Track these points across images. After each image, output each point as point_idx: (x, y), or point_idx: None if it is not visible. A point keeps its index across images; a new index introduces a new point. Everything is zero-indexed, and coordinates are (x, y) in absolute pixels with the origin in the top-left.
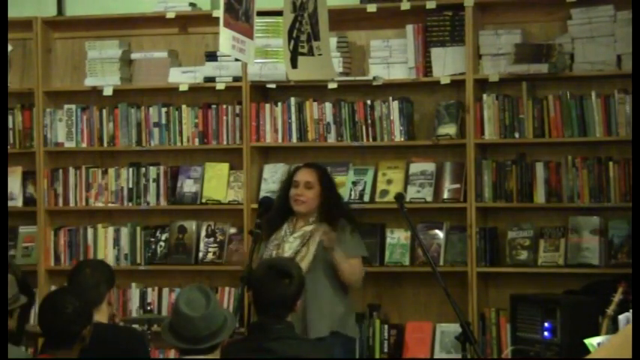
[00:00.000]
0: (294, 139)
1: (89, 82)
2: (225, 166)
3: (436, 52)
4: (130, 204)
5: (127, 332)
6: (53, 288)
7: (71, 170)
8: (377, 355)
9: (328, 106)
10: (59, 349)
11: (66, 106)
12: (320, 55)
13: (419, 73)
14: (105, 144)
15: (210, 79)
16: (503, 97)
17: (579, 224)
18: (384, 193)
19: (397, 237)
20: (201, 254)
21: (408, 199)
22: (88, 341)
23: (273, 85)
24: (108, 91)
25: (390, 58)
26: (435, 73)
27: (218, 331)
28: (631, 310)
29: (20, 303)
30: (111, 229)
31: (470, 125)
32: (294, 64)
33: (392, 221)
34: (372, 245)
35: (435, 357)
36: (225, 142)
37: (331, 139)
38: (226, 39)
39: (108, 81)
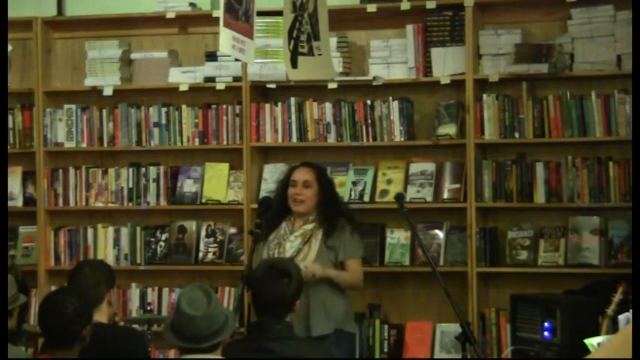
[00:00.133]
0: (294, 139)
1: (89, 82)
2: (225, 166)
3: (436, 52)
4: (130, 204)
5: (127, 332)
6: (53, 288)
7: (71, 170)
8: (377, 355)
9: (328, 106)
10: (59, 349)
11: (66, 106)
12: (320, 55)
13: (419, 73)
14: (105, 144)
15: (210, 79)
16: (503, 97)
17: (579, 224)
18: (384, 193)
19: (397, 237)
20: (201, 254)
21: (408, 199)
22: (88, 341)
23: (273, 85)
24: (108, 91)
25: (390, 58)
26: (435, 73)
27: (219, 330)
28: (631, 310)
29: (20, 302)
30: (111, 229)
31: (470, 125)
32: (294, 64)
33: (392, 221)
34: (372, 245)
35: (435, 357)
36: (225, 142)
37: (331, 139)
38: (226, 39)
39: (108, 81)
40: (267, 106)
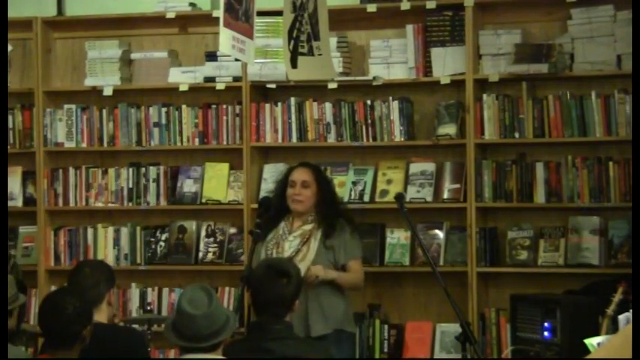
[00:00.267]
0: (294, 139)
1: (89, 82)
2: (225, 166)
3: (436, 52)
4: (130, 204)
5: (127, 332)
6: (53, 288)
7: (71, 170)
8: (377, 355)
9: (328, 106)
10: (59, 350)
11: (66, 106)
12: (320, 55)
13: (419, 73)
14: (105, 144)
15: (210, 79)
16: (503, 97)
17: (579, 224)
18: (384, 193)
19: (397, 237)
20: (201, 254)
21: (408, 199)
22: (88, 341)
23: (273, 85)
24: (108, 91)
25: (390, 58)
26: (435, 73)
27: (220, 330)
28: (631, 310)
29: (20, 302)
30: (111, 229)
31: (470, 125)
32: (294, 64)
33: (392, 221)
34: (372, 245)
35: (435, 357)
36: (225, 142)
37: (331, 139)
38: (226, 39)
39: (108, 81)
40: (267, 106)
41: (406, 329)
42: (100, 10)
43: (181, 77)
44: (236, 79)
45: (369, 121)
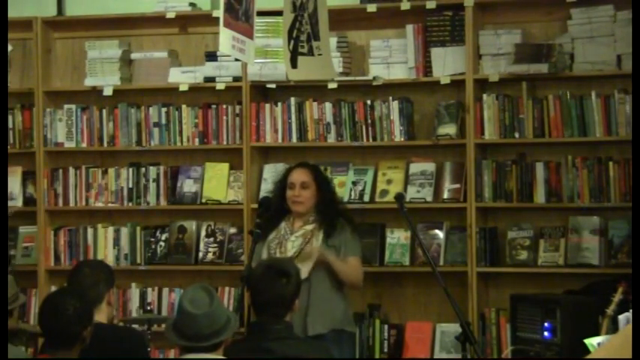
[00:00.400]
0: (294, 139)
1: (89, 82)
2: (225, 166)
3: (436, 52)
4: (130, 204)
5: (127, 332)
6: (53, 288)
7: (71, 170)
8: (377, 355)
9: (328, 106)
10: (59, 350)
11: (66, 106)
12: (320, 55)
13: (419, 73)
14: (105, 144)
15: (210, 79)
16: (503, 97)
17: (579, 224)
18: (384, 193)
19: (397, 237)
20: (201, 254)
21: (408, 199)
22: (89, 341)
23: (273, 85)
24: (108, 91)
25: (390, 58)
26: (435, 73)
27: (221, 329)
28: (631, 310)
29: (20, 302)
30: (111, 229)
31: (470, 125)
32: (294, 64)
33: (392, 221)
34: (372, 245)
35: (435, 357)
36: (225, 142)
37: (331, 139)
38: (226, 39)
39: (108, 81)
40: (267, 106)
41: (406, 329)
42: (100, 10)
43: (181, 77)
44: (236, 79)
45: (369, 121)
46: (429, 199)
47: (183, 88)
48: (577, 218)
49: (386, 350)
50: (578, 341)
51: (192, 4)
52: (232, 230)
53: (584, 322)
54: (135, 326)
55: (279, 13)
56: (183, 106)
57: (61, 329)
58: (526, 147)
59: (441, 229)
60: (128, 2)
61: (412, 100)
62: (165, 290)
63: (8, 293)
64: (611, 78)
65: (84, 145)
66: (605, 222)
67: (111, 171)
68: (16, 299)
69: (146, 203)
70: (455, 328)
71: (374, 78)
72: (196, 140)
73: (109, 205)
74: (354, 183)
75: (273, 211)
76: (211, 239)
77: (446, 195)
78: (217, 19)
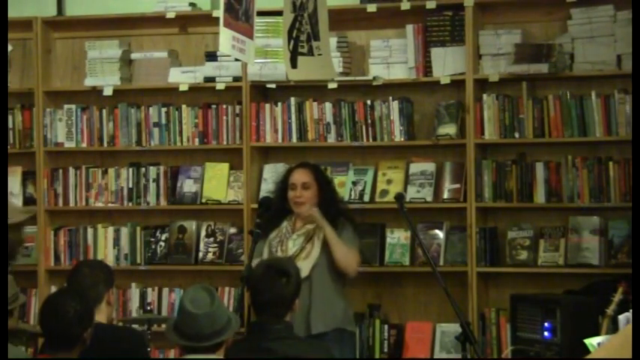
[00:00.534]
0: (294, 139)
1: (89, 82)
2: (225, 166)
3: (436, 52)
4: (130, 204)
5: (127, 332)
6: (53, 288)
7: (71, 170)
8: (377, 355)
9: (328, 106)
10: (59, 351)
11: (66, 106)
12: (320, 55)
13: (419, 73)
14: (105, 144)
15: (210, 79)
16: (503, 97)
17: (579, 224)
18: (384, 193)
19: (397, 237)
20: (201, 254)
21: (408, 199)
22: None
23: (273, 85)
24: (108, 91)
25: (390, 58)
26: (435, 73)
27: (221, 330)
28: (631, 310)
29: (20, 302)
30: (111, 229)
31: (470, 125)
32: (293, 64)
33: (392, 221)
34: (372, 245)
35: (435, 357)
36: (225, 142)
37: (331, 139)
38: (226, 39)
39: (108, 81)
40: (267, 106)
41: (406, 329)
42: (100, 10)
43: (181, 77)
44: (236, 79)
45: (369, 121)
46: (429, 199)
47: (183, 88)
48: (577, 218)
49: (386, 350)
50: (578, 341)
51: (192, 4)
52: (232, 230)
53: (584, 322)
54: (135, 326)
55: (279, 13)
56: (183, 106)
57: (62, 331)
58: (526, 147)
59: (441, 229)
60: (128, 2)
61: (412, 100)
62: (166, 290)
63: (8, 293)
64: (611, 78)
65: (84, 145)
66: (605, 222)
67: (111, 171)
68: (16, 299)
69: (146, 203)
70: (455, 328)
71: (374, 78)
72: (196, 140)
73: (109, 205)
74: (354, 183)
75: (274, 211)
76: (211, 239)
77: (446, 195)
78: (217, 19)
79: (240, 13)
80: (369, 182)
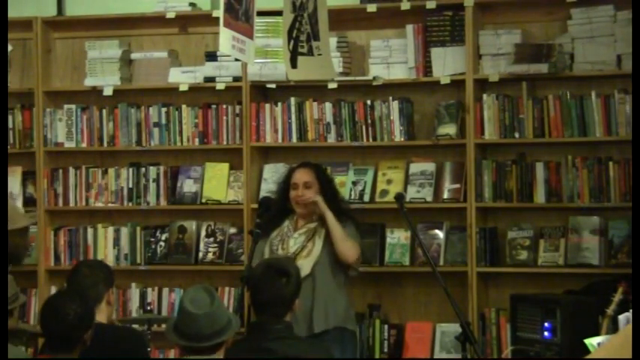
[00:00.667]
0: (294, 139)
1: (89, 82)
2: (225, 166)
3: (436, 52)
4: (130, 204)
5: (127, 332)
6: (53, 288)
7: (71, 170)
8: (377, 355)
9: (328, 106)
10: (60, 352)
11: (66, 106)
12: (320, 55)
13: (419, 73)
14: (105, 144)
15: (210, 79)
16: (503, 97)
17: (579, 224)
18: (384, 193)
19: (397, 237)
20: (201, 254)
21: (408, 199)
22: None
23: (273, 85)
24: (108, 91)
25: (390, 58)
26: (435, 73)
27: (221, 330)
28: (631, 310)
29: (20, 302)
30: (111, 229)
31: (470, 125)
32: (293, 64)
33: (392, 221)
34: (372, 245)
35: (435, 357)
36: (225, 142)
37: (331, 139)
38: (226, 39)
39: (108, 81)
40: (267, 106)
41: (406, 329)
42: (100, 10)
43: (181, 77)
44: (236, 79)
45: (369, 121)
46: (429, 199)
47: (183, 88)
48: (577, 218)
49: (386, 350)
50: (578, 341)
51: (192, 4)
52: (232, 230)
53: (584, 322)
54: (135, 326)
55: (279, 13)
56: (183, 106)
57: (62, 333)
58: (526, 147)
59: (441, 229)
60: (128, 2)
61: (412, 100)
62: (165, 290)
63: (8, 293)
64: (611, 78)
65: (84, 145)
66: (605, 222)
67: (111, 171)
68: (16, 299)
69: (146, 203)
70: (455, 328)
71: (374, 78)
72: (196, 140)
73: (109, 205)
74: (354, 183)
75: (275, 211)
76: (211, 239)
77: (446, 195)
78: (217, 19)
79: (240, 13)
80: (369, 182)
